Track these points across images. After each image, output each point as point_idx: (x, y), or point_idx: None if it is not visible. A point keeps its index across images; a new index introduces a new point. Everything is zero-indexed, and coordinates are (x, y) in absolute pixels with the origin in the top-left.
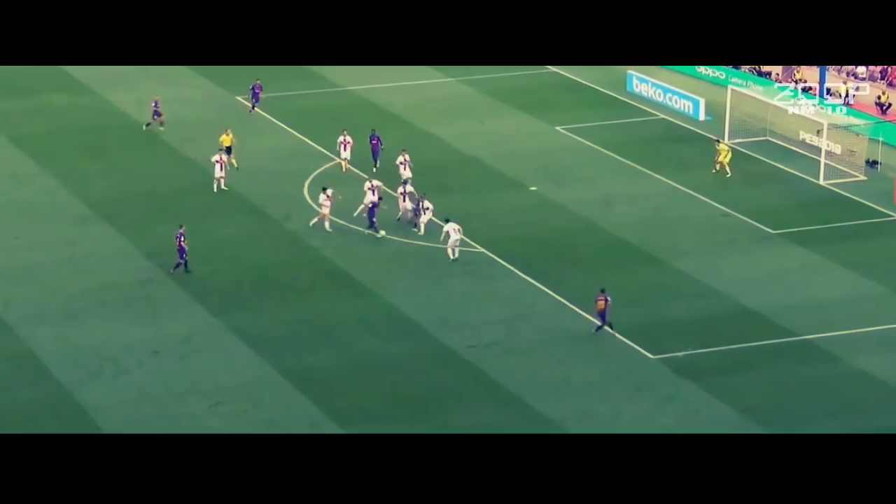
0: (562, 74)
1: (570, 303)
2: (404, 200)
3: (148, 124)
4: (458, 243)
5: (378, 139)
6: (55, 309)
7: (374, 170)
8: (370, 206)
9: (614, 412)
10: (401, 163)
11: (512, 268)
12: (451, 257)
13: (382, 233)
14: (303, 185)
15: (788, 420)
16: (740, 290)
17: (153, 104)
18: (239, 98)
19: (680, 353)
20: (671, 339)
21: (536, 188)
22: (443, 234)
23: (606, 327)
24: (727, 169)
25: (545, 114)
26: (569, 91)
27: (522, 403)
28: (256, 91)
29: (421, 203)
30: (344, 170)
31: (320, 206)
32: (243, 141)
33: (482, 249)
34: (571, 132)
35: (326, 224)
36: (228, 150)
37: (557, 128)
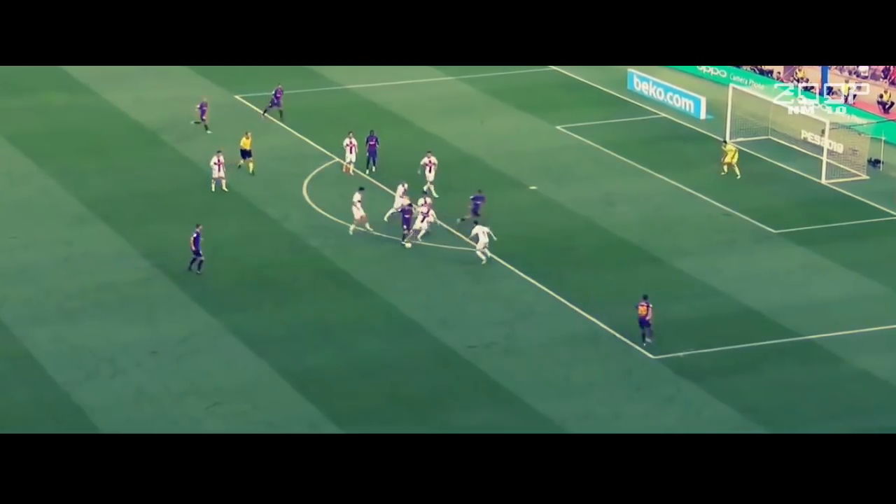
0: (562, 73)
1: (571, 303)
2: (424, 214)
3: (197, 122)
4: (487, 246)
5: (376, 140)
6: (52, 309)
7: (373, 170)
8: (402, 211)
9: (614, 413)
10: (425, 164)
11: (512, 268)
12: (483, 259)
13: (408, 245)
14: (302, 185)
15: (790, 420)
16: (741, 290)
17: (199, 106)
18: (238, 97)
19: (681, 354)
20: (672, 340)
21: (536, 187)
22: (471, 237)
23: (646, 336)
24: (736, 170)
25: (545, 113)
26: (569, 90)
27: (522, 404)
28: (278, 96)
29: (427, 210)
30: (345, 171)
31: (353, 205)
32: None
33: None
34: (572, 131)
35: (353, 227)
36: (247, 154)
37: (558, 127)
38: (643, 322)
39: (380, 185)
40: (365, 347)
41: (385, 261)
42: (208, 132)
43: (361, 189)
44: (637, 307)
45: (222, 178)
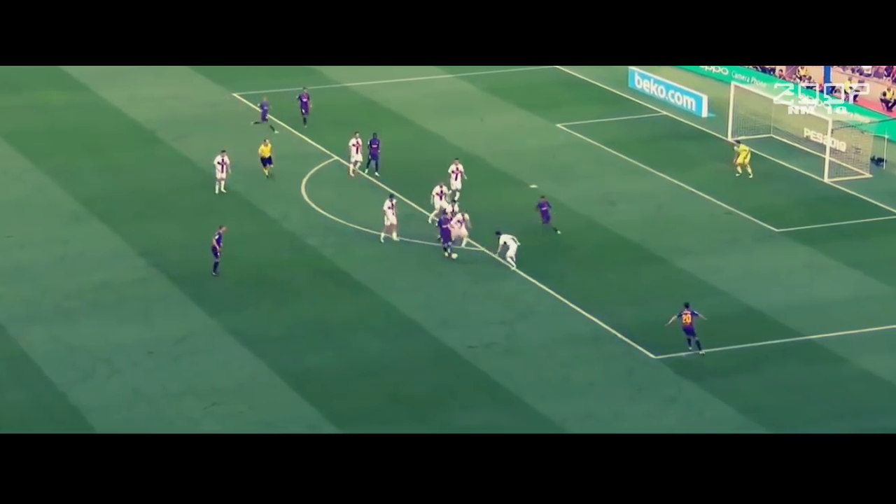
0: (563, 71)
1: (571, 302)
2: (460, 226)
3: (257, 122)
4: (517, 252)
5: (378, 143)
6: (48, 308)
7: (376, 175)
8: (440, 222)
9: (615, 413)
10: (452, 171)
11: (505, 262)
12: (513, 266)
13: (454, 255)
14: (301, 184)
15: (792, 421)
16: (743, 290)
17: (260, 105)
18: (236, 95)
19: (682, 354)
20: (674, 340)
21: (537, 186)
22: (500, 247)
23: (693, 345)
24: (748, 170)
25: (546, 111)
26: (570, 87)
27: (523, 404)
28: (304, 100)
29: (462, 216)
30: (352, 174)
31: (384, 213)
32: (239, 140)
33: (482, 248)
34: (572, 129)
35: (394, 234)
36: (268, 161)
37: (558, 125)
38: (688, 330)
39: (383, 186)
40: (364, 347)
41: (385, 260)
42: (275, 132)
43: (392, 197)
44: (680, 316)
45: (223, 179)
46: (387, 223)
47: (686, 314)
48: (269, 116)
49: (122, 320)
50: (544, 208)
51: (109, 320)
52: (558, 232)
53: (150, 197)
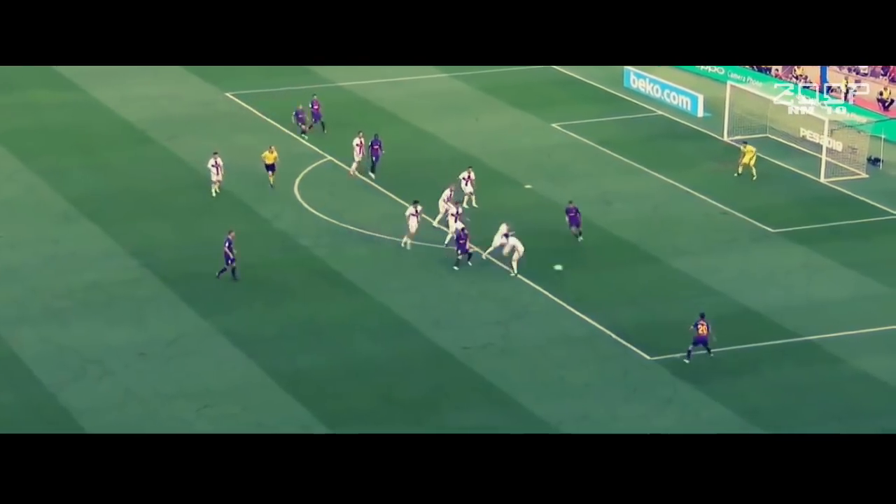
0: (558, 70)
1: (567, 303)
2: (455, 221)
3: (304, 131)
4: (522, 255)
5: (380, 144)
6: (38, 309)
7: (370, 174)
8: (457, 236)
9: (611, 414)
10: (463, 178)
11: (507, 267)
12: (515, 271)
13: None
14: (293, 184)
15: (789, 422)
16: (740, 290)
17: (294, 113)
18: (229, 95)
19: (678, 354)
20: (669, 340)
21: (532, 186)
22: (508, 248)
23: (691, 356)
24: (752, 171)
25: (541, 110)
26: (565, 87)
27: (518, 405)
28: (315, 108)
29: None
30: (351, 175)
31: (407, 219)
32: (233, 139)
33: (477, 249)
34: (568, 129)
35: (407, 241)
36: (271, 168)
37: (554, 124)
38: (701, 341)
39: (378, 187)
40: (357, 348)
41: (378, 260)
42: (304, 137)
43: (416, 202)
44: (696, 326)
45: (219, 181)
46: (412, 229)
47: (702, 325)
48: (303, 122)
49: (113, 321)
50: (572, 213)
51: (100, 321)
52: (580, 239)
53: (141, 197)
